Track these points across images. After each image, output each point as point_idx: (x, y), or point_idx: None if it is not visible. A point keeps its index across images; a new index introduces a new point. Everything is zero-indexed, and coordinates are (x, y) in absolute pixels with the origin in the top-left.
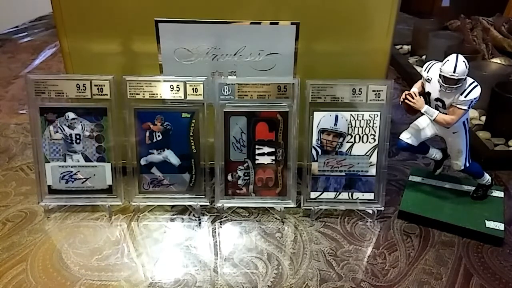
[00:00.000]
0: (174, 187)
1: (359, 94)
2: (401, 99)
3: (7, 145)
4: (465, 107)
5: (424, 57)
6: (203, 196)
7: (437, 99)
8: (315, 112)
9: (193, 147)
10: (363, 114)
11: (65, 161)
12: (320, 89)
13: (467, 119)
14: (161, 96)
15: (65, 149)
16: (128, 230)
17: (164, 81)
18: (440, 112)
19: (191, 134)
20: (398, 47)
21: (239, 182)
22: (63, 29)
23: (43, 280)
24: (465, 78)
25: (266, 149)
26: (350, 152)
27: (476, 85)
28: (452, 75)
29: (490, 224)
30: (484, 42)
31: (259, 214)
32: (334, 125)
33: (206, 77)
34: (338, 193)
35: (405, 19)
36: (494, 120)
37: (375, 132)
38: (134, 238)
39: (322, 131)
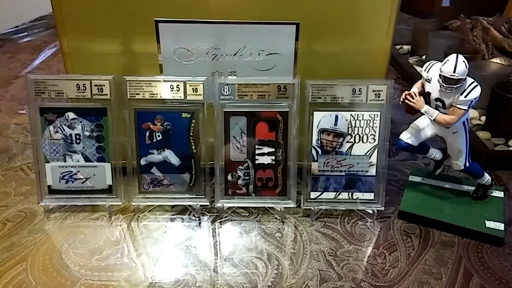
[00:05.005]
0: (174, 187)
1: (359, 94)
2: (401, 99)
3: (7, 145)
4: (465, 107)
5: (424, 57)
6: (203, 196)
7: (437, 99)
8: (315, 112)
9: (193, 147)
10: (363, 114)
11: (65, 161)
12: (320, 89)
13: (467, 119)
14: (161, 96)
15: (65, 149)
16: (128, 230)
17: (164, 81)
18: (440, 112)
19: (191, 134)
20: (398, 47)
21: (239, 182)
22: (63, 29)
23: (43, 280)
24: (465, 78)
25: (266, 149)
26: (350, 152)
27: (476, 85)
28: (452, 75)
29: (490, 224)
30: (484, 42)
31: (259, 214)
32: (334, 125)
33: (206, 77)
34: (338, 193)
35: (405, 19)
36: (494, 120)
37: (375, 132)
38: (134, 238)
39: (322, 131)
